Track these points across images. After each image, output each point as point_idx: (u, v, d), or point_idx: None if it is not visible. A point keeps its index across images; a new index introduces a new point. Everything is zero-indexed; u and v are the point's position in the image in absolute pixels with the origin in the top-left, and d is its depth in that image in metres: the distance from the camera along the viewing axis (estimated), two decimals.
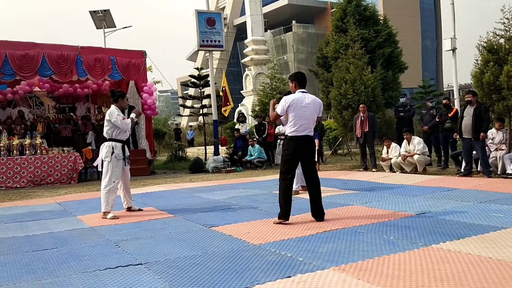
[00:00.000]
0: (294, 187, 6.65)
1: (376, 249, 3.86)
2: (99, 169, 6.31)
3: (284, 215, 5.11)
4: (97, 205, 7.21)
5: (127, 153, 6.27)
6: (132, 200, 6.59)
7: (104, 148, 6.14)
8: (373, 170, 10.39)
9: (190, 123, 34.01)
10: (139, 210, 6.52)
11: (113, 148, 6.06)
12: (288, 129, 5.15)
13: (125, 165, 6.22)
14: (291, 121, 5.09)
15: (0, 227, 5.74)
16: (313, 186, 5.20)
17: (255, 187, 8.55)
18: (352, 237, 4.33)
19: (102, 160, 6.16)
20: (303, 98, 5.12)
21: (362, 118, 10.42)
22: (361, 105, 10.53)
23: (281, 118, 5.74)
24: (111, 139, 6.14)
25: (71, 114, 15.52)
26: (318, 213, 5.17)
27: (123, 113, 6.32)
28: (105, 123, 6.17)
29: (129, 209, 6.50)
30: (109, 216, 5.98)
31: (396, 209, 5.67)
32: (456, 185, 7.35)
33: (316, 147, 11.21)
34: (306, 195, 7.04)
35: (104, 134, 6.22)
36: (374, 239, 4.22)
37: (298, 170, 6.83)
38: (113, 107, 6.21)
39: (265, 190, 8.12)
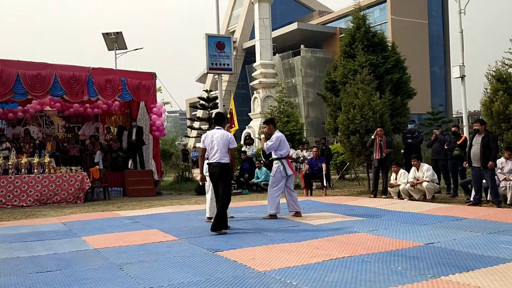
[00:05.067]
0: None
1: (383, 280, 3.79)
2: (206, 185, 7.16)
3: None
4: (102, 226, 7.22)
5: None
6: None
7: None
8: (383, 196, 10.29)
9: (197, 144, 34.10)
10: (231, 217, 7.14)
11: None
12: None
13: None
14: (207, 151, 6.42)
15: (5, 247, 5.73)
16: (218, 203, 6.35)
17: (261, 211, 8.47)
18: (358, 266, 4.26)
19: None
20: (213, 133, 6.44)
21: (380, 142, 10.23)
22: (378, 129, 10.34)
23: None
24: None
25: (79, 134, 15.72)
26: (213, 224, 6.24)
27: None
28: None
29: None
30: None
31: (404, 238, 5.59)
32: (465, 215, 7.24)
33: (324, 171, 11.37)
34: (308, 221, 6.99)
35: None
36: (382, 269, 4.14)
37: (290, 196, 7.60)
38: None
39: None
